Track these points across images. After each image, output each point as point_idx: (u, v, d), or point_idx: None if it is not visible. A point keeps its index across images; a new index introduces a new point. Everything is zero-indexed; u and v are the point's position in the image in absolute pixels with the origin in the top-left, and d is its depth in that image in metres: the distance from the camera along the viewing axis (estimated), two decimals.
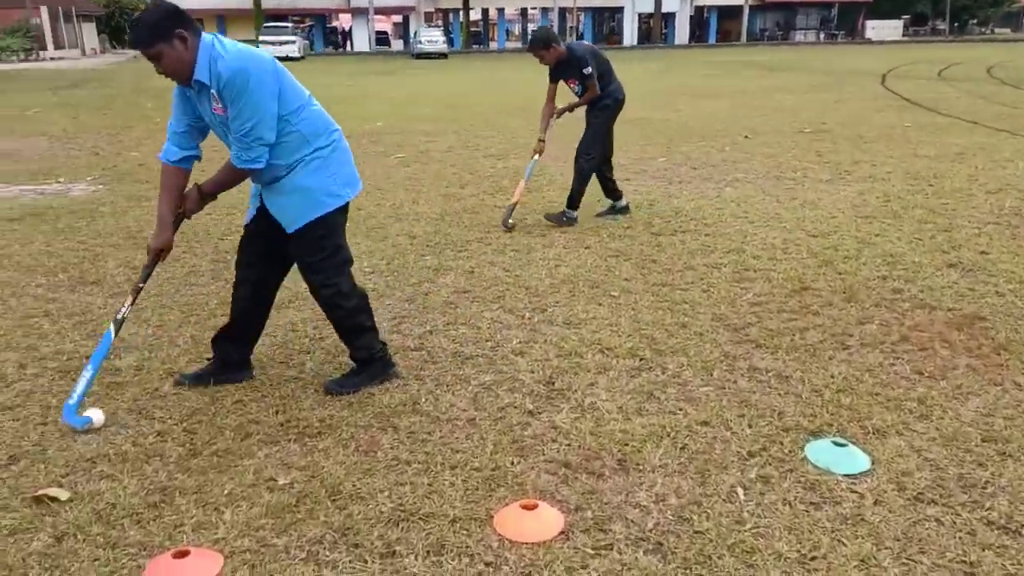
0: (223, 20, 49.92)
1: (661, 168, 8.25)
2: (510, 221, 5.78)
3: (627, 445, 2.74)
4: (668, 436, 2.80)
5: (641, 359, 3.49)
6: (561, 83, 5.88)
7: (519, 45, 55.37)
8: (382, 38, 53.70)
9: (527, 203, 6.38)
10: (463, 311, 4.14)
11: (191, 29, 2.73)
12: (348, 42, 53.89)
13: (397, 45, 55.31)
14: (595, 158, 5.89)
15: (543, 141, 5.92)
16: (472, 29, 53.89)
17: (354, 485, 2.52)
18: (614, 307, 4.16)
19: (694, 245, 5.30)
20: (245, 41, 3.03)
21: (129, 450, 2.74)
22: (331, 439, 2.81)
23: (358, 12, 51.04)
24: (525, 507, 2.36)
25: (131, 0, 62.81)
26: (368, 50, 49.65)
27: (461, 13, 51.61)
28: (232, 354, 3.29)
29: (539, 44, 5.64)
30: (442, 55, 39.15)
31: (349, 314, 3.15)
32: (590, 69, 5.63)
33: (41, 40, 44.93)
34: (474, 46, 52.59)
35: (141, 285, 3.09)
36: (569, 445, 2.76)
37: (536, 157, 5.98)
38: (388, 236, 5.67)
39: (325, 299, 3.13)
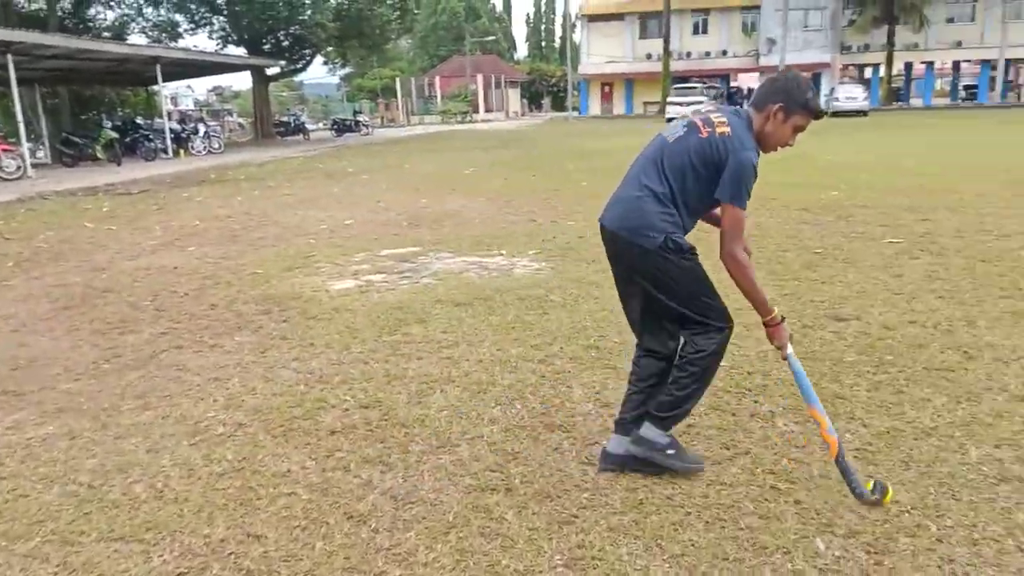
0: (631, 83, 52.66)
1: None
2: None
3: None
4: None
5: None
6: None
7: (947, 101, 48.82)
8: None
9: None
10: None
11: None
12: (746, 102, 52.17)
13: None
14: None
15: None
16: (891, 85, 48.40)
17: None
18: None
19: None
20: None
21: None
22: None
23: (766, 70, 49.15)
24: None
25: (550, 68, 69.04)
26: None
27: (882, 68, 46.69)
28: None
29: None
30: (861, 113, 35.45)
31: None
32: None
33: (475, 104, 50.95)
34: (896, 103, 47.23)
35: None
36: None
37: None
38: (962, 383, 3.65)
39: None
